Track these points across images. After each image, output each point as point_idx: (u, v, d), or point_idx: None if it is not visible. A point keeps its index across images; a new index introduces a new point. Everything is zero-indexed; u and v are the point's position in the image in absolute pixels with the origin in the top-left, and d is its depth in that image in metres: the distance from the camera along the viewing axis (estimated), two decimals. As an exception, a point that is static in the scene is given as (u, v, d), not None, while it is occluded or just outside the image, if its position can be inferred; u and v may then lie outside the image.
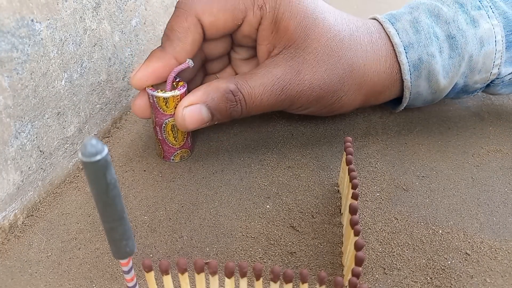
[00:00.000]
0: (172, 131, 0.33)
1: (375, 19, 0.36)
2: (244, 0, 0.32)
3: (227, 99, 0.31)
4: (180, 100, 0.32)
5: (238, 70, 0.38)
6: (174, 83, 0.33)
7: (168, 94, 0.31)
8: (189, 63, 0.32)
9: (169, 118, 0.32)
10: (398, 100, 0.38)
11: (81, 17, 0.32)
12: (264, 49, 0.33)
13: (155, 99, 0.32)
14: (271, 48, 0.33)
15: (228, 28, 0.32)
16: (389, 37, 0.35)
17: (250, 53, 0.36)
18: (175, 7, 0.32)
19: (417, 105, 0.39)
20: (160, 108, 0.32)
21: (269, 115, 0.41)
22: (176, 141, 0.34)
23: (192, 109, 0.31)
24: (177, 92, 0.31)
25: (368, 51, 0.34)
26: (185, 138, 0.34)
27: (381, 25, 0.35)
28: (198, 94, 0.31)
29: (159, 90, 0.32)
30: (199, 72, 0.37)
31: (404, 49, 0.34)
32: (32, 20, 0.27)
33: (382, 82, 0.35)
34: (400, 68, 0.35)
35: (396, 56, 0.34)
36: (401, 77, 0.35)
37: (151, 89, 0.32)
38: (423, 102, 0.38)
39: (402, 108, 0.38)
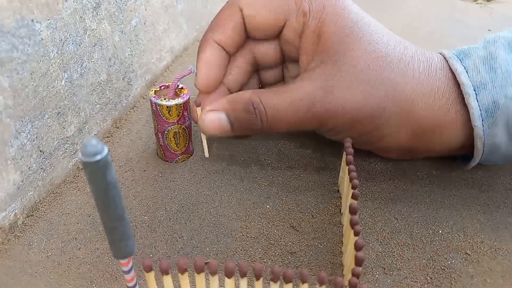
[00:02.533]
0: (174, 138, 0.33)
1: (440, 54, 0.32)
2: (289, 3, 0.31)
3: (247, 111, 0.30)
4: (184, 108, 0.32)
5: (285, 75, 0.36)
6: (177, 90, 0.33)
7: (172, 102, 0.31)
8: (192, 69, 0.32)
9: (171, 125, 0.32)
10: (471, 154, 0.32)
11: (81, 17, 0.32)
12: (304, 60, 0.31)
13: (158, 107, 0.32)
14: (310, 60, 0.31)
15: (269, 26, 0.32)
16: (454, 75, 0.30)
17: (300, 71, 0.34)
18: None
19: (496, 161, 0.32)
20: (163, 116, 0.32)
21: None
22: (178, 147, 0.34)
23: (212, 116, 0.31)
24: (180, 101, 0.32)
25: (421, 82, 0.29)
26: (186, 144, 0.34)
27: (447, 61, 0.31)
28: (222, 101, 0.31)
29: (162, 98, 0.32)
30: (252, 79, 0.36)
31: (474, 91, 0.29)
32: (32, 20, 0.27)
33: (434, 118, 0.30)
34: (468, 114, 0.29)
35: (463, 99, 0.29)
36: (469, 123, 0.29)
37: (154, 97, 0.32)
38: (504, 158, 0.31)
39: (475, 163, 0.32)
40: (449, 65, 0.30)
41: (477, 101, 0.29)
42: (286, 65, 0.35)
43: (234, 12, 0.31)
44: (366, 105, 0.29)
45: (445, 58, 0.31)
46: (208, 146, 0.35)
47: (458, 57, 0.30)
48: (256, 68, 0.35)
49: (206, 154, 0.35)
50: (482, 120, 0.29)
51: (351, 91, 0.29)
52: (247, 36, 0.33)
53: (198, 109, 0.32)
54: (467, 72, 0.29)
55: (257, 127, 0.31)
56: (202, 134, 0.34)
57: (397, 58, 0.30)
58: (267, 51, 0.34)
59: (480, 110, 0.29)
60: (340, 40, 0.29)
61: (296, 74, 0.34)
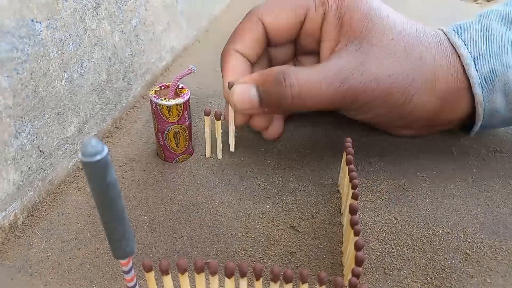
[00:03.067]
0: (174, 138, 0.33)
1: (440, 30, 0.34)
2: None
3: (278, 82, 0.30)
4: (184, 108, 0.32)
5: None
6: (177, 90, 0.33)
7: (172, 102, 0.31)
8: (192, 68, 0.32)
9: (171, 125, 0.32)
10: (472, 121, 0.34)
11: (81, 17, 0.32)
12: (327, 46, 0.32)
13: (158, 107, 0.32)
14: (334, 44, 0.32)
15: (291, 26, 0.32)
16: (455, 48, 0.32)
17: (314, 62, 0.35)
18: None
19: (495, 125, 0.35)
20: (163, 116, 0.32)
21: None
22: (178, 147, 0.34)
23: (242, 87, 0.31)
24: (180, 101, 0.32)
25: (437, 52, 0.31)
26: (186, 144, 0.34)
27: (446, 36, 0.33)
28: (253, 75, 0.31)
29: (162, 98, 0.32)
30: None
31: (473, 61, 0.31)
32: (32, 20, 0.27)
33: (451, 87, 0.32)
34: (470, 83, 0.31)
35: (464, 69, 0.31)
36: (471, 93, 0.32)
37: (154, 97, 0.32)
38: (502, 121, 0.34)
39: (477, 128, 0.34)
40: (449, 39, 0.32)
41: (477, 70, 0.31)
42: (298, 58, 0.36)
43: (254, 23, 0.33)
44: (397, 75, 0.30)
45: (444, 33, 0.33)
46: (220, 145, 0.35)
47: (456, 32, 0.32)
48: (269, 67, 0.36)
49: (232, 148, 0.35)
50: (482, 87, 0.31)
51: (381, 63, 0.30)
52: (268, 44, 0.34)
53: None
54: (465, 45, 0.31)
55: (287, 101, 0.30)
56: (230, 130, 0.34)
57: (414, 34, 0.31)
58: (283, 51, 0.35)
59: (479, 78, 0.31)
60: (362, 19, 0.31)
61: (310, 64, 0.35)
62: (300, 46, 0.35)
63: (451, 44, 0.32)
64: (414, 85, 0.31)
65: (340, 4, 0.32)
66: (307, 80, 0.29)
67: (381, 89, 0.30)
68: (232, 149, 0.35)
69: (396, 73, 0.30)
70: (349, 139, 0.30)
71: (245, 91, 0.30)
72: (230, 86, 0.32)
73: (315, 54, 0.35)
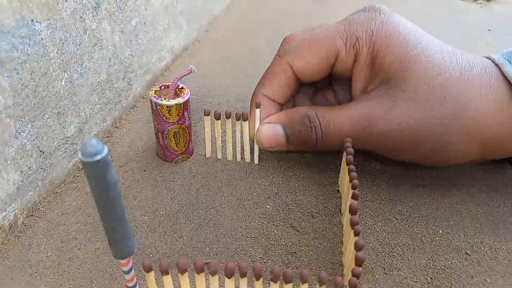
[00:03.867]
0: (174, 138, 0.33)
1: (489, 58, 0.30)
2: (336, 40, 0.31)
3: (303, 124, 0.31)
4: (184, 108, 0.32)
5: (338, 97, 0.36)
6: (177, 90, 0.33)
7: (172, 102, 0.31)
8: (192, 68, 0.32)
9: (171, 125, 0.32)
10: None
11: (81, 17, 0.32)
12: (358, 86, 0.32)
13: (158, 107, 0.32)
14: (366, 84, 0.31)
15: (321, 69, 0.32)
16: (510, 82, 0.28)
17: (349, 91, 0.34)
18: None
19: None
20: (163, 116, 0.32)
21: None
22: (178, 147, 0.34)
23: (269, 127, 0.32)
24: (180, 101, 0.32)
25: (483, 95, 0.28)
26: (186, 144, 0.34)
27: (498, 67, 0.29)
28: (280, 114, 0.32)
29: (162, 98, 0.32)
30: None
31: None
32: (32, 20, 0.27)
33: (505, 132, 0.29)
34: None
35: None
36: None
37: (154, 97, 0.32)
38: None
39: None
40: (501, 71, 0.29)
41: None
42: (333, 87, 0.36)
43: (283, 67, 0.33)
44: (428, 124, 0.28)
45: (494, 63, 0.30)
46: (220, 145, 0.35)
47: (510, 62, 0.29)
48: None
49: (256, 161, 0.35)
50: None
51: (410, 111, 0.28)
52: (299, 84, 0.34)
53: (257, 122, 0.33)
54: None
55: (312, 141, 0.31)
56: (256, 144, 0.34)
57: (458, 74, 0.28)
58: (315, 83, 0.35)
59: None
60: (394, 60, 0.29)
61: (346, 99, 0.34)
62: (334, 80, 0.35)
63: (504, 76, 0.29)
64: (450, 134, 0.28)
65: (372, 46, 0.30)
66: (330, 122, 0.30)
67: (408, 137, 0.29)
68: (255, 161, 0.35)
69: (427, 122, 0.28)
70: (349, 139, 0.30)
71: (271, 131, 0.32)
72: (258, 105, 0.32)
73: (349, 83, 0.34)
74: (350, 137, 0.30)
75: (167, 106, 0.31)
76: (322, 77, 0.33)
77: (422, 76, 0.28)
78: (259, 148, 0.34)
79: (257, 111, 0.33)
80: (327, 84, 0.36)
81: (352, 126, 0.29)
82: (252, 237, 0.29)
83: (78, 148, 0.34)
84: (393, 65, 0.29)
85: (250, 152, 0.35)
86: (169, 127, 0.33)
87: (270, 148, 0.33)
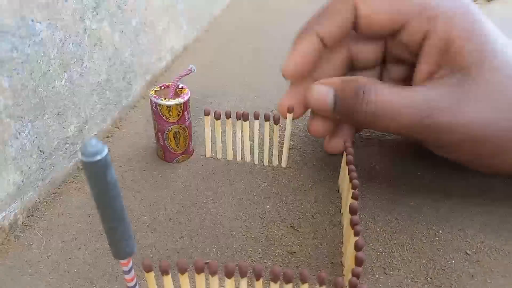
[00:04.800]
0: (174, 138, 0.33)
1: None
2: (412, 4, 0.28)
3: (355, 93, 0.28)
4: (184, 108, 0.32)
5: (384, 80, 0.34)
6: (177, 90, 0.33)
7: (172, 102, 0.31)
8: (192, 68, 0.32)
9: (171, 125, 0.32)
10: None
11: (81, 17, 0.32)
12: (425, 69, 0.29)
13: (158, 107, 0.32)
14: (434, 69, 0.28)
15: (384, 27, 0.29)
16: None
17: (404, 73, 0.32)
18: None
19: None
20: (163, 116, 0.32)
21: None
22: (178, 147, 0.34)
23: (321, 88, 0.30)
24: (180, 100, 0.32)
25: None
26: (186, 144, 0.34)
27: None
28: (334, 79, 0.30)
29: (162, 98, 0.32)
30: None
31: None
32: (32, 20, 0.27)
33: None
34: None
35: None
36: None
37: (154, 97, 0.32)
38: None
39: None
40: None
41: None
42: (387, 66, 0.33)
43: (346, 7, 0.29)
44: (496, 125, 0.26)
45: None
46: (220, 145, 0.35)
47: None
48: (350, 68, 0.33)
49: (284, 164, 0.35)
50: None
51: (480, 107, 0.26)
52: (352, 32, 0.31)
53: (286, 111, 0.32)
54: None
55: (360, 116, 0.28)
56: (285, 147, 0.34)
57: None
58: (368, 50, 0.32)
59: None
60: (473, 50, 0.27)
61: (399, 77, 0.32)
62: (391, 53, 0.32)
63: None
64: None
65: (450, 28, 0.27)
66: (388, 101, 0.27)
67: (470, 135, 0.27)
68: (284, 164, 0.35)
69: (497, 122, 0.26)
70: (349, 139, 0.30)
71: (322, 92, 0.30)
72: (290, 109, 0.32)
73: (407, 64, 0.32)
74: (405, 122, 0.27)
75: (167, 106, 0.31)
76: (380, 35, 0.30)
77: (498, 73, 0.26)
78: (288, 151, 0.34)
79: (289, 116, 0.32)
80: (376, 63, 0.33)
81: (411, 112, 0.27)
82: (252, 237, 0.29)
83: (78, 148, 0.34)
84: (471, 55, 0.27)
85: (269, 154, 0.35)
86: (169, 127, 0.33)
87: (317, 110, 0.31)
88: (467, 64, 0.27)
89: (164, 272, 0.20)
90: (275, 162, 0.35)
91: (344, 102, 0.29)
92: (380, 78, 0.33)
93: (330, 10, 0.30)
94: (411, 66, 0.30)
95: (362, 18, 0.29)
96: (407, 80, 0.31)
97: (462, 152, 0.28)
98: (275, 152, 0.35)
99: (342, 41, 0.31)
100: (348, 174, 0.27)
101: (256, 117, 0.33)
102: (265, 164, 0.35)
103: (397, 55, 0.31)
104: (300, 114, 0.33)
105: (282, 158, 0.35)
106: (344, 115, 0.29)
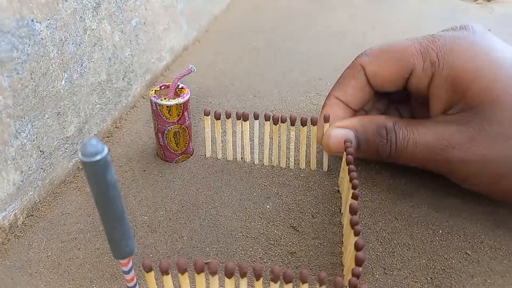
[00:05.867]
0: (174, 138, 0.33)
1: None
2: (413, 52, 0.30)
3: (378, 134, 0.30)
4: (184, 108, 0.32)
5: (416, 113, 0.35)
6: (177, 90, 0.33)
7: (172, 102, 0.31)
8: (192, 68, 0.32)
9: (171, 125, 0.32)
10: None
11: (81, 17, 0.32)
12: (437, 107, 0.30)
13: (158, 106, 0.32)
14: (445, 107, 0.29)
15: (392, 81, 0.31)
16: None
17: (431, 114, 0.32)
18: None
19: None
20: (163, 116, 0.32)
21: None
22: (178, 147, 0.34)
23: (339, 132, 0.31)
24: (180, 100, 0.32)
25: None
26: (186, 144, 0.34)
27: None
28: (353, 120, 0.32)
29: (162, 98, 0.32)
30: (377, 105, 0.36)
31: None
32: (32, 20, 0.27)
33: None
34: None
35: None
36: None
37: (154, 97, 0.32)
38: None
39: None
40: None
41: None
42: (413, 105, 0.35)
43: (356, 71, 0.32)
44: (509, 163, 0.27)
45: None
46: (220, 145, 0.35)
47: None
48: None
49: (325, 168, 0.35)
50: None
51: (496, 144, 0.27)
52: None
53: (326, 125, 0.32)
54: None
55: (385, 153, 0.30)
56: (324, 151, 0.34)
57: None
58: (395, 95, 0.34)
59: None
60: (482, 89, 0.27)
61: (425, 116, 0.32)
62: (413, 95, 0.34)
63: None
64: None
65: (452, 67, 0.28)
66: (407, 137, 0.29)
67: (488, 170, 0.27)
68: (325, 168, 0.35)
69: (509, 160, 0.26)
70: (349, 139, 0.30)
71: (342, 135, 0.31)
72: (326, 119, 0.32)
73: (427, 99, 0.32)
74: (425, 157, 0.29)
75: (167, 106, 0.31)
76: (394, 88, 0.32)
77: (511, 111, 0.26)
78: (328, 154, 0.34)
79: (326, 125, 0.32)
80: (404, 98, 0.35)
81: (429, 147, 0.28)
82: (252, 237, 0.29)
83: (78, 148, 0.34)
84: (479, 95, 0.27)
85: (269, 154, 0.35)
86: (169, 127, 0.33)
87: (338, 153, 0.32)
88: (476, 104, 0.27)
89: (164, 272, 0.20)
90: (275, 162, 0.35)
91: (368, 143, 0.31)
92: (413, 111, 0.35)
93: (344, 78, 0.33)
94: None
95: (371, 77, 0.32)
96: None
97: (485, 186, 0.29)
98: (292, 154, 0.35)
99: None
100: (348, 174, 0.27)
101: (256, 117, 0.33)
102: (265, 164, 0.35)
103: (418, 97, 0.33)
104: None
105: (323, 162, 0.34)
106: (369, 153, 0.31)
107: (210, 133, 0.35)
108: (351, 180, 0.26)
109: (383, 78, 0.32)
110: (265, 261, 0.27)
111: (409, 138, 0.29)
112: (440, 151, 0.28)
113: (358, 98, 0.33)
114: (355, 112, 0.34)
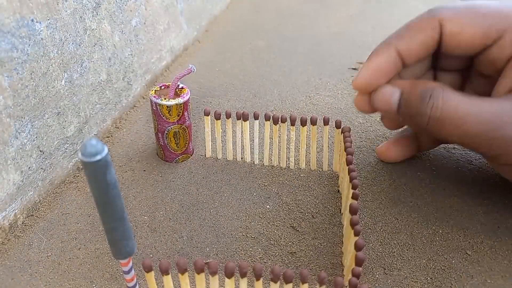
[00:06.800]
0: (174, 138, 0.33)
1: None
2: (507, 18, 0.27)
3: (421, 97, 0.27)
4: (184, 108, 0.32)
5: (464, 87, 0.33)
6: (177, 90, 0.33)
7: (172, 102, 0.31)
8: (192, 68, 0.32)
9: (171, 125, 0.32)
10: None
11: (81, 17, 0.32)
12: (506, 83, 0.27)
13: (158, 106, 0.32)
14: None
15: (474, 45, 0.28)
16: None
17: (486, 89, 0.30)
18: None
19: None
20: (163, 116, 0.32)
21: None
22: (178, 147, 0.34)
23: (388, 89, 0.29)
24: (180, 101, 0.32)
25: None
26: (186, 144, 0.34)
27: None
28: (403, 81, 0.29)
29: (162, 98, 0.32)
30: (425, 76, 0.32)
31: None
32: (32, 20, 0.27)
33: None
34: None
35: None
36: None
37: (154, 97, 0.32)
38: None
39: None
40: None
41: None
42: (471, 78, 0.32)
43: (431, 24, 0.28)
44: None
45: None
46: (220, 145, 0.35)
47: None
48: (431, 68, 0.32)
49: (325, 168, 0.34)
50: None
51: None
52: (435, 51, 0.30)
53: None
54: None
55: (422, 120, 0.27)
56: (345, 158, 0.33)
57: None
58: (449, 64, 0.31)
59: None
60: None
61: (482, 91, 0.31)
62: (475, 66, 0.31)
63: None
64: None
65: None
66: (454, 108, 0.26)
67: None
68: (325, 168, 0.34)
69: None
70: (349, 139, 0.30)
71: (388, 93, 0.29)
72: (346, 129, 0.31)
73: (490, 81, 0.30)
74: (471, 132, 0.26)
75: (167, 106, 0.31)
76: (465, 53, 0.29)
77: None
78: (327, 154, 0.34)
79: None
80: (450, 66, 0.32)
81: (479, 122, 0.26)
82: (252, 237, 0.29)
83: (78, 148, 0.34)
84: None
85: (269, 154, 0.35)
86: (169, 127, 0.33)
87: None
88: None
89: (164, 272, 0.20)
90: (275, 162, 0.35)
91: (409, 104, 0.28)
92: (462, 88, 0.32)
93: (412, 27, 0.29)
94: (494, 80, 0.29)
95: (448, 36, 0.28)
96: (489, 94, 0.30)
97: None
98: (292, 154, 0.35)
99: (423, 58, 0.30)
100: (348, 174, 0.27)
101: (256, 117, 0.33)
102: (265, 164, 0.35)
103: (480, 70, 0.30)
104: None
105: (323, 162, 0.34)
106: (407, 117, 0.29)
107: (210, 133, 0.35)
108: (351, 180, 0.26)
109: (462, 41, 0.28)
110: (265, 261, 0.27)
111: (458, 109, 0.26)
112: (491, 128, 0.26)
113: (419, 56, 0.29)
114: (408, 68, 0.31)
